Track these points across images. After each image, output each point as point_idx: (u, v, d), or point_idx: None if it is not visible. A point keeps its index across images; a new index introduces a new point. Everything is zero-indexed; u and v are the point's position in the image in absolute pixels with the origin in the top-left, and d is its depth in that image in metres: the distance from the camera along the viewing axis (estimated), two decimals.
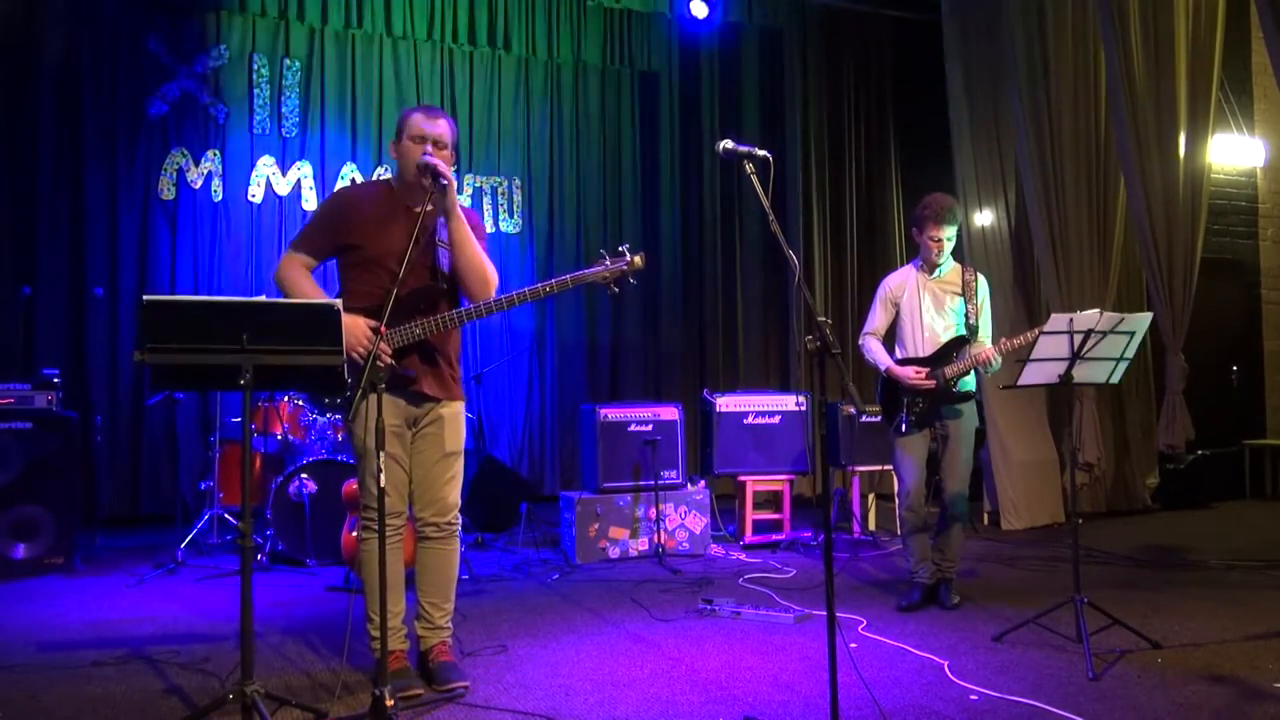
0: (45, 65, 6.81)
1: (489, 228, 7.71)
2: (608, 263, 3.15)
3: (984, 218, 7.04)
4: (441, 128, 3.18)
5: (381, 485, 2.75)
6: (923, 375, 4.21)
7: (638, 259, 3.15)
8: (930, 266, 4.39)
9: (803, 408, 6.12)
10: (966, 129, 7.01)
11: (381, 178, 7.50)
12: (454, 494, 3.28)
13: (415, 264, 3.13)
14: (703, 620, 4.09)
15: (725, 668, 3.40)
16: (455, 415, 3.27)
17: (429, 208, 3.06)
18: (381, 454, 2.74)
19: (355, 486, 4.85)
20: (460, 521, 3.32)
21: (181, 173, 7.15)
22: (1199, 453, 7.39)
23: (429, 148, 3.12)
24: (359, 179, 7.58)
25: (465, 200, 7.73)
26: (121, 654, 3.62)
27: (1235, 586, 4.64)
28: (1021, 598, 4.36)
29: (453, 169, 3.19)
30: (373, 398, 2.76)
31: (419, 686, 3.12)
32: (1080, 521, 4.09)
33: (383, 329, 2.81)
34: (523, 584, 4.92)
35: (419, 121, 3.17)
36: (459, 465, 3.30)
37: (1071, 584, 3.66)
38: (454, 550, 3.31)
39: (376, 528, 3.09)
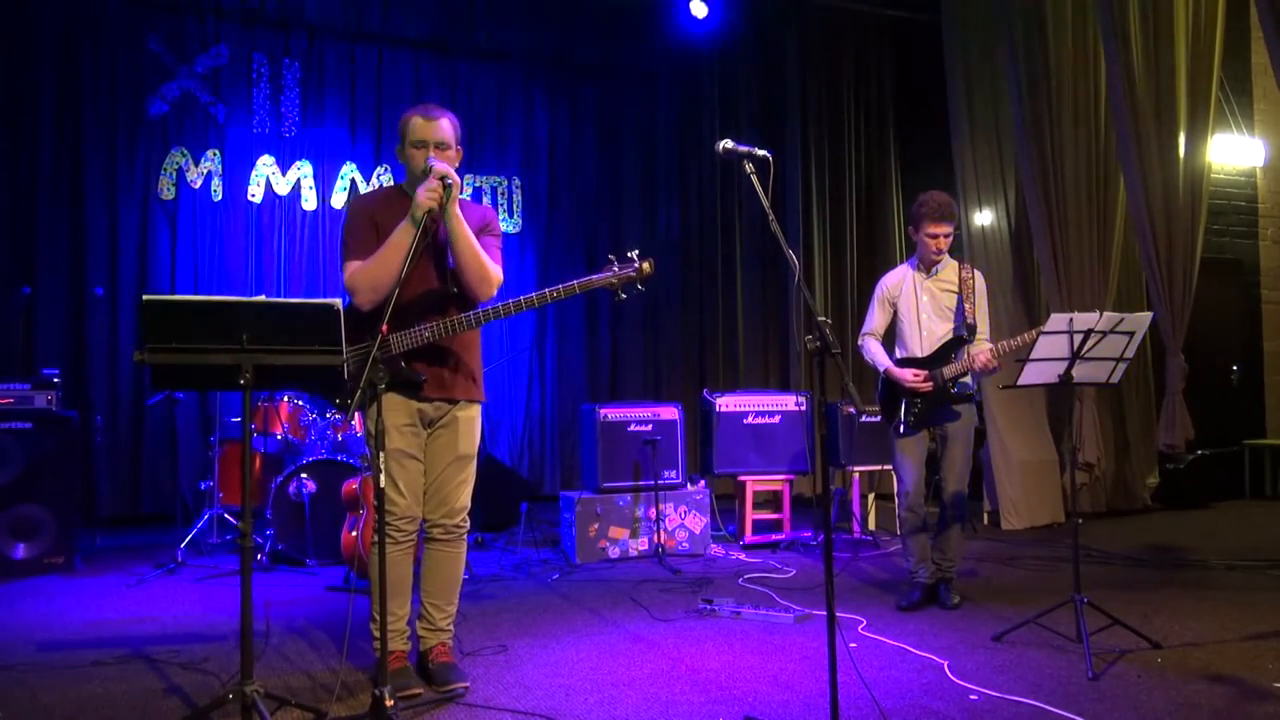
0: (45, 65, 6.81)
1: None
2: (615, 268, 3.14)
3: (984, 218, 7.04)
4: (442, 129, 3.17)
5: (381, 485, 2.75)
6: (921, 378, 4.21)
7: (646, 265, 3.14)
8: (927, 265, 4.38)
9: (803, 408, 6.12)
10: (966, 128, 7.02)
11: (388, 184, 7.52)
12: (464, 497, 3.27)
13: (423, 267, 3.13)
14: (703, 620, 4.09)
15: (725, 668, 3.40)
16: (470, 419, 3.26)
17: (436, 210, 3.05)
18: (382, 454, 2.74)
19: (355, 486, 4.87)
20: (468, 525, 3.32)
21: (181, 172, 7.15)
22: (1199, 453, 7.38)
23: (432, 152, 3.12)
24: (359, 179, 7.60)
25: (466, 197, 7.74)
26: (121, 654, 3.62)
27: (1235, 586, 4.64)
28: (1021, 598, 4.36)
29: (457, 164, 3.21)
30: (378, 398, 2.75)
31: (419, 686, 3.12)
32: (1080, 521, 4.09)
33: (384, 330, 2.80)
34: (523, 584, 4.92)
35: (418, 126, 3.16)
36: (471, 469, 3.29)
37: (1071, 584, 3.66)
38: (460, 553, 3.31)
39: (390, 532, 3.10)
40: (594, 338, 8.39)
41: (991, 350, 4.11)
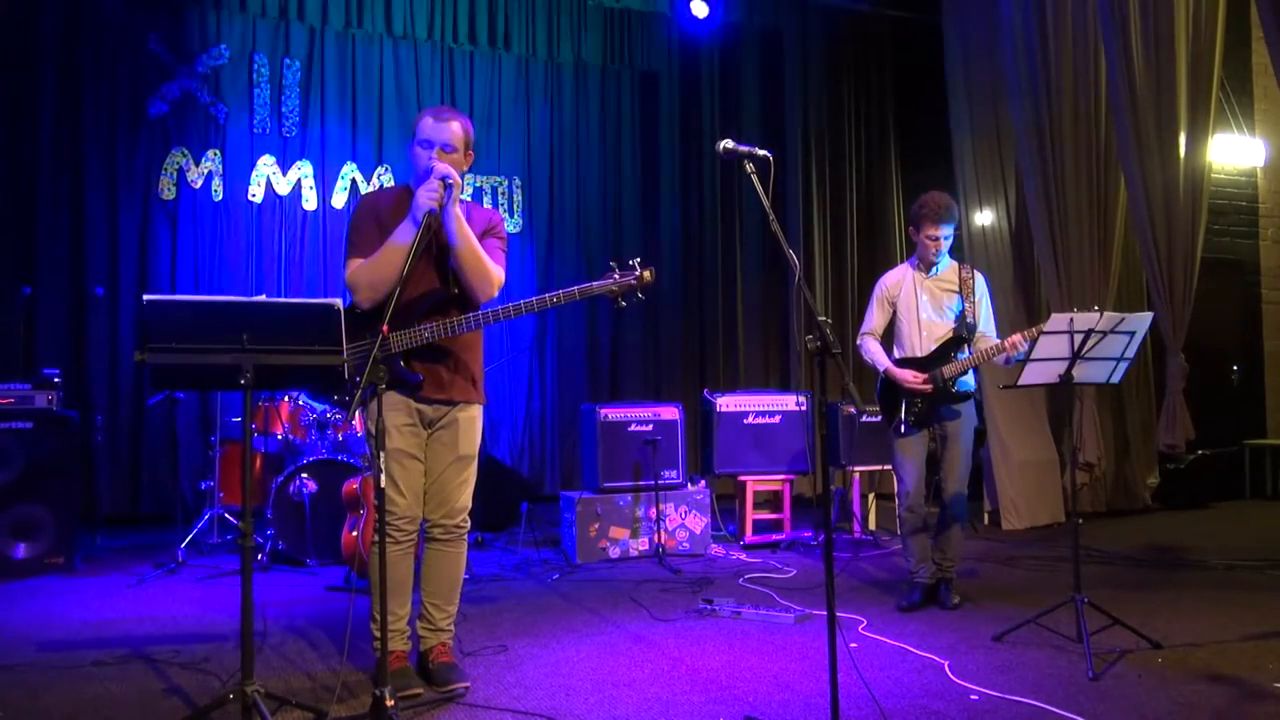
0: (46, 65, 6.81)
1: None
2: (616, 276, 3.15)
3: (984, 218, 7.04)
4: (450, 131, 3.17)
5: (381, 485, 2.75)
6: (920, 380, 4.20)
7: (647, 274, 3.15)
8: (927, 265, 4.38)
9: (803, 408, 6.12)
10: (967, 128, 7.02)
11: (390, 184, 7.53)
12: (465, 497, 3.28)
13: (424, 267, 3.13)
14: (703, 620, 4.09)
15: (725, 667, 3.40)
16: (471, 419, 3.26)
17: (436, 211, 3.04)
18: (383, 454, 2.74)
19: (355, 486, 4.87)
20: (469, 525, 3.32)
21: (182, 172, 7.15)
22: (1199, 453, 7.38)
23: (434, 153, 3.13)
24: (359, 179, 7.60)
25: (466, 198, 7.75)
26: (121, 654, 3.62)
27: (1235, 586, 4.64)
28: (1021, 597, 4.36)
29: (466, 168, 3.23)
30: (378, 397, 2.75)
31: (419, 686, 3.12)
32: (1080, 521, 4.09)
33: (384, 329, 2.80)
34: (523, 584, 4.92)
35: (428, 126, 3.17)
36: (472, 469, 3.29)
37: (1072, 584, 3.66)
38: (460, 553, 3.30)
39: (390, 532, 3.09)
40: (594, 338, 8.39)
41: (1021, 334, 4.05)
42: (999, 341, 4.12)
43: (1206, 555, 5.40)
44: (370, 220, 3.19)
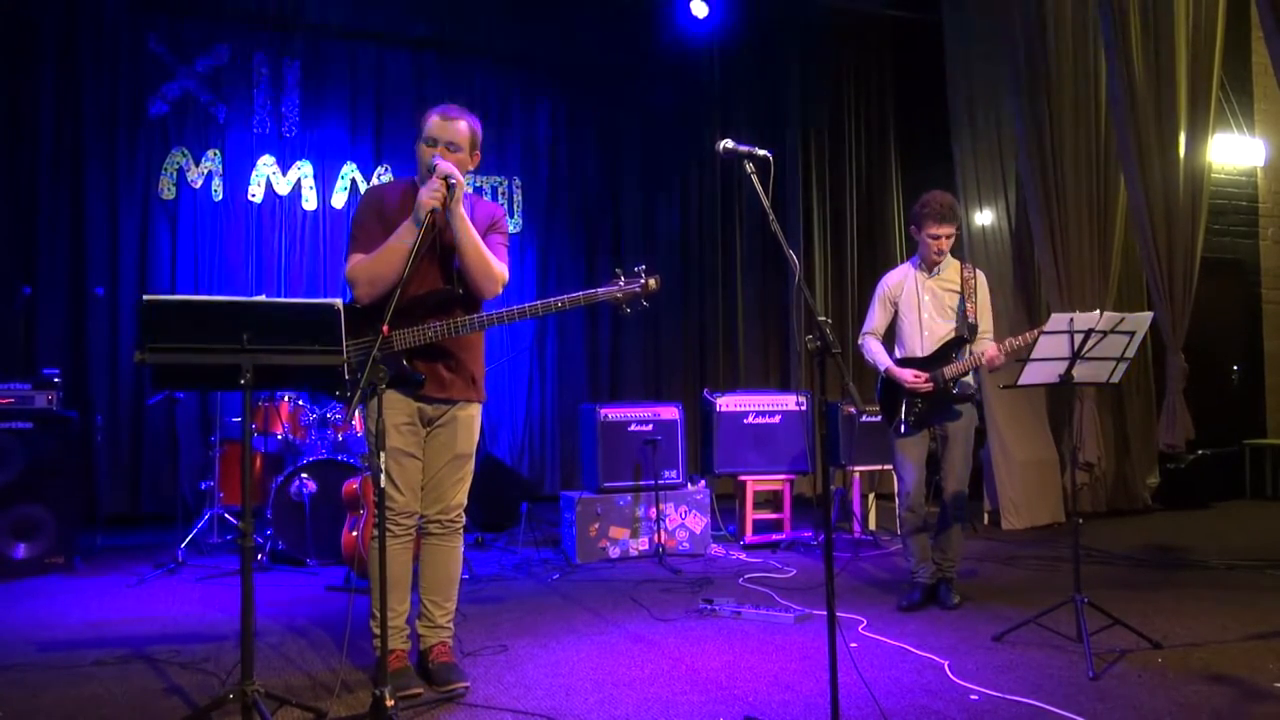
0: (46, 65, 6.81)
1: None
2: (621, 282, 3.15)
3: (984, 218, 7.04)
4: (457, 130, 3.19)
5: (381, 484, 2.75)
6: (922, 379, 4.20)
7: (652, 282, 3.14)
8: (929, 265, 4.37)
9: (803, 407, 6.12)
10: (967, 128, 7.02)
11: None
12: (461, 494, 3.28)
13: (428, 266, 3.13)
14: (703, 620, 4.09)
15: (725, 667, 3.40)
16: (470, 418, 3.27)
17: (440, 209, 3.04)
18: (383, 454, 2.74)
19: (355, 486, 4.87)
20: (464, 520, 3.32)
21: (182, 172, 7.15)
22: (1199, 453, 7.38)
23: (439, 152, 3.12)
24: (359, 179, 7.61)
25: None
26: (121, 654, 3.62)
27: (1235, 586, 4.64)
28: (1022, 597, 4.36)
29: (472, 168, 3.24)
30: (377, 397, 2.75)
31: (419, 686, 3.12)
32: (1080, 521, 4.09)
33: (385, 328, 2.80)
34: (523, 584, 4.92)
35: (434, 125, 3.18)
36: (469, 467, 3.30)
37: (1072, 584, 3.66)
38: (456, 547, 3.31)
39: (389, 526, 3.10)
40: (594, 337, 8.40)
41: (999, 346, 4.11)
42: (983, 351, 4.15)
43: (1206, 555, 5.40)
44: (374, 215, 3.18)
